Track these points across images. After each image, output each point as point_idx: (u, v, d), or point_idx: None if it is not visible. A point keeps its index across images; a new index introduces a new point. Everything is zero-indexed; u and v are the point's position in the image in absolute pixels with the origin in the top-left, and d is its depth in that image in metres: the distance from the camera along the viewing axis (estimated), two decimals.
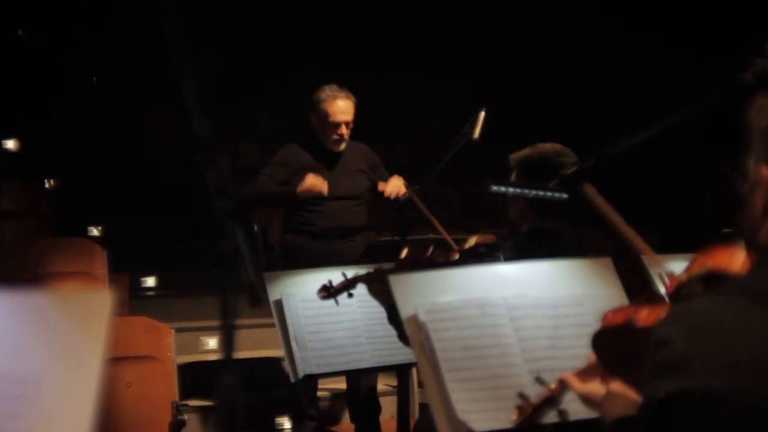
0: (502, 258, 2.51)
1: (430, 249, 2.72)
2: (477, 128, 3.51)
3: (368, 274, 2.62)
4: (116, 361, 2.97)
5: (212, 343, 4.82)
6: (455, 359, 1.94)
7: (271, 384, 4.73)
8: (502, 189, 2.39)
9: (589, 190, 2.08)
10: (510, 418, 1.79)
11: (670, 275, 1.70)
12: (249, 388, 4.64)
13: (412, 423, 3.14)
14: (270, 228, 5.68)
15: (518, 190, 2.49)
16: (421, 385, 3.97)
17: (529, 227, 2.57)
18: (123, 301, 4.57)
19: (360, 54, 6.80)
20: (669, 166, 6.63)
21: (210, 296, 4.72)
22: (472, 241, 2.85)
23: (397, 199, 4.04)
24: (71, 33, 6.60)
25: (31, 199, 5.80)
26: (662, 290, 2.46)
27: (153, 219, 5.78)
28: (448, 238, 3.45)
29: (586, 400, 1.57)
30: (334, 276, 2.83)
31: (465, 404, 1.90)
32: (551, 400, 1.72)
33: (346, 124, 4.15)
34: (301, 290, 2.88)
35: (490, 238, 2.88)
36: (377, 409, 4.24)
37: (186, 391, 4.35)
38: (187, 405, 4.23)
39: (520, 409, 1.76)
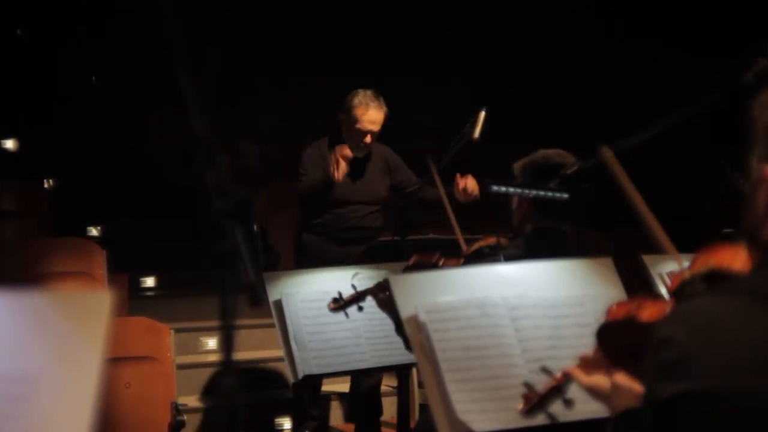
0: (503, 258, 2.51)
1: (437, 256, 2.73)
2: (477, 128, 3.51)
3: (377, 286, 2.65)
4: (115, 361, 2.96)
5: (212, 343, 4.82)
6: (455, 359, 1.94)
7: (271, 384, 4.73)
8: (503, 189, 2.39)
9: (607, 154, 2.05)
10: (517, 407, 1.80)
11: (672, 274, 1.70)
12: (249, 388, 4.64)
13: (412, 424, 3.14)
14: (270, 228, 5.68)
15: (519, 190, 2.50)
16: (421, 385, 3.97)
17: (532, 228, 2.58)
18: (122, 302, 4.56)
19: (360, 54, 6.80)
20: (669, 166, 6.63)
21: (210, 296, 4.72)
22: (477, 246, 2.87)
23: (467, 198, 3.95)
24: (71, 33, 6.59)
25: (31, 199, 5.79)
26: (663, 290, 2.47)
27: (152, 219, 5.78)
28: (461, 239, 3.46)
29: (591, 391, 1.58)
30: (335, 276, 2.83)
31: (465, 404, 1.89)
32: (556, 389, 1.74)
33: (372, 134, 4.14)
34: (300, 290, 2.88)
35: (493, 241, 2.89)
36: (378, 409, 4.24)
37: (185, 392, 4.35)
38: (186, 405, 4.23)
39: (527, 398, 1.78)
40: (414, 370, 3.45)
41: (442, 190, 3.60)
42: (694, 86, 2.65)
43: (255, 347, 4.83)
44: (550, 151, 2.63)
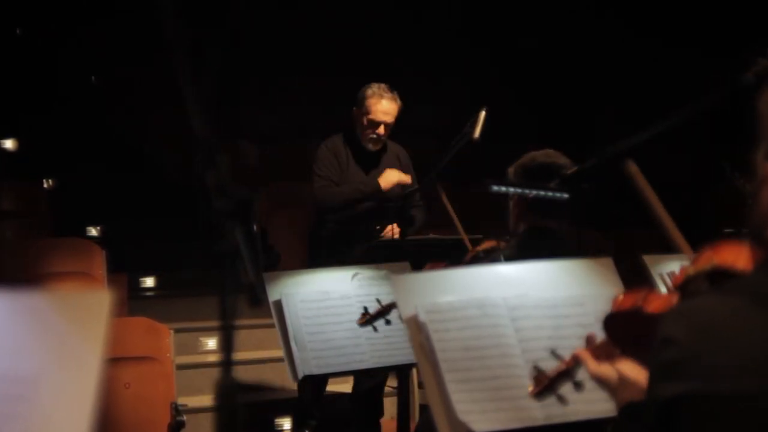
0: (502, 258, 2.51)
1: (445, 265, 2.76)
2: (477, 128, 3.50)
3: None
4: (115, 361, 2.96)
5: (211, 343, 4.82)
6: (455, 360, 1.93)
7: (271, 384, 4.72)
8: (503, 189, 2.39)
9: (632, 168, 2.05)
10: (528, 389, 1.81)
11: (672, 275, 1.71)
12: (249, 388, 4.63)
13: (412, 424, 3.14)
14: (270, 228, 5.67)
15: (519, 190, 2.50)
16: (421, 385, 3.96)
17: (526, 227, 2.60)
18: (122, 302, 4.56)
19: (360, 54, 6.80)
20: (670, 166, 6.63)
21: (209, 297, 4.71)
22: (481, 247, 2.89)
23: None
24: (70, 32, 6.59)
25: (30, 199, 5.79)
26: (663, 290, 2.47)
27: (152, 219, 5.77)
28: (466, 239, 3.46)
29: (598, 380, 1.58)
30: (335, 276, 2.84)
31: (465, 405, 1.89)
32: (566, 373, 1.74)
33: (386, 125, 4.13)
34: (300, 291, 2.88)
35: (491, 245, 2.91)
36: (380, 410, 4.23)
37: (185, 392, 4.34)
38: (186, 406, 4.22)
39: (537, 380, 1.78)
40: (414, 371, 3.44)
41: (450, 209, 3.59)
42: (695, 86, 2.65)
43: (255, 347, 4.82)
44: (538, 153, 2.66)
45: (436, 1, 7.48)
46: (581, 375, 1.71)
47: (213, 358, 4.74)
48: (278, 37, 7.05)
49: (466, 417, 1.88)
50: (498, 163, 2.90)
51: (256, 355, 4.76)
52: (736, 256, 1.49)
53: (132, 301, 4.86)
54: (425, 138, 5.74)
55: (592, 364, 1.59)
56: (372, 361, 2.89)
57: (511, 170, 2.68)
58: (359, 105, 4.14)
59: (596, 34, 7.12)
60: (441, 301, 1.99)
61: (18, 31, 6.66)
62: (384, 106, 4.11)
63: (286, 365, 2.82)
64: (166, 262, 5.62)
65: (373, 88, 4.13)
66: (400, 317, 2.53)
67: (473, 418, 1.88)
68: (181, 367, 4.18)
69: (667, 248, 2.24)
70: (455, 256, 3.08)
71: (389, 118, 4.12)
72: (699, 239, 1.79)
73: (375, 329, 2.77)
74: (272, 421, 4.51)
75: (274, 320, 2.85)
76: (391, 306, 2.74)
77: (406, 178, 4.10)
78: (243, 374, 4.65)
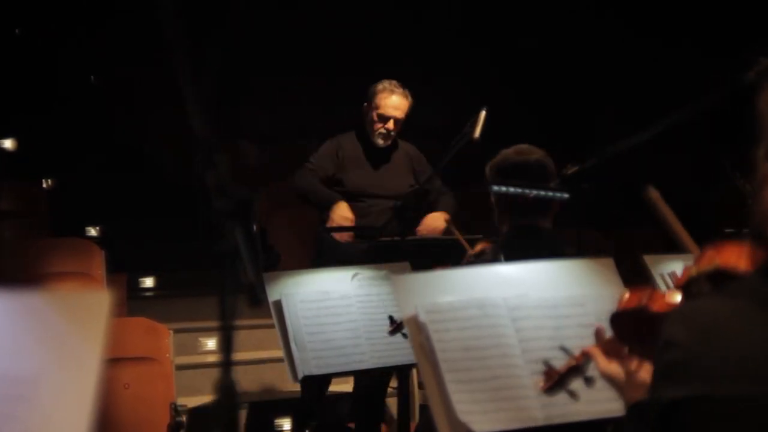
0: (502, 259, 2.51)
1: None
2: (477, 128, 3.50)
3: None
4: (114, 362, 2.96)
5: (211, 344, 4.81)
6: (456, 360, 1.93)
7: (271, 385, 4.72)
8: (503, 189, 2.38)
9: (653, 195, 2.04)
10: (537, 384, 1.80)
11: (673, 275, 1.70)
12: (248, 389, 4.63)
13: (412, 425, 3.14)
14: (270, 228, 5.67)
15: (519, 190, 2.49)
16: (421, 386, 3.96)
17: (508, 227, 2.59)
18: (121, 302, 4.56)
19: (360, 54, 6.80)
20: (670, 165, 6.63)
21: (209, 297, 4.69)
22: (477, 248, 2.89)
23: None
24: (69, 32, 6.59)
25: (29, 199, 5.78)
26: (664, 290, 2.46)
27: (151, 219, 5.77)
28: (466, 245, 3.45)
29: (607, 378, 1.58)
30: (334, 277, 2.83)
31: (465, 405, 1.89)
32: (576, 368, 1.73)
33: (395, 120, 4.11)
34: (300, 291, 2.87)
35: (481, 247, 2.91)
36: (381, 411, 4.21)
37: (185, 393, 4.34)
38: (185, 406, 4.21)
39: (547, 375, 1.77)
40: (414, 371, 3.44)
41: (464, 243, 3.58)
42: (695, 86, 2.65)
43: (254, 348, 4.82)
44: (509, 150, 2.64)
45: (436, 1, 7.48)
46: (591, 371, 1.71)
47: (212, 359, 4.73)
48: (278, 37, 7.05)
49: (467, 417, 1.87)
50: None
51: (256, 355, 4.75)
52: (739, 257, 1.49)
53: (131, 302, 4.86)
54: (425, 138, 5.73)
55: (602, 361, 1.59)
56: (372, 361, 2.89)
57: (487, 170, 2.67)
58: (369, 100, 4.14)
59: (596, 34, 7.11)
60: (441, 301, 1.99)
61: (17, 31, 6.65)
62: (394, 101, 4.10)
63: (285, 365, 2.82)
64: (165, 262, 5.62)
65: (384, 84, 4.13)
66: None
67: (473, 418, 1.88)
68: (181, 367, 4.18)
69: (668, 248, 2.24)
70: (454, 257, 3.07)
71: (399, 113, 4.10)
72: (700, 239, 1.79)
73: (405, 336, 2.74)
74: (272, 422, 4.50)
75: (274, 320, 2.85)
76: None
77: (349, 219, 4.04)
78: (243, 375, 4.65)
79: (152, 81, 5.88)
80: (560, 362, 1.77)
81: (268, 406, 4.54)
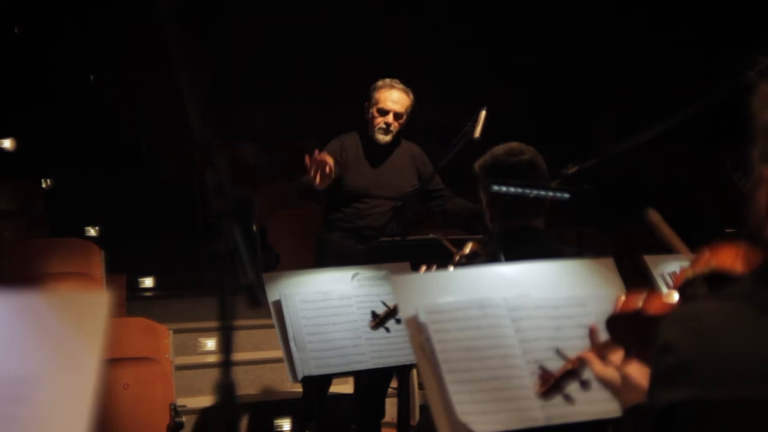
0: (502, 258, 2.49)
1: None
2: (478, 127, 3.50)
3: None
4: (114, 362, 2.96)
5: (210, 344, 4.81)
6: (456, 360, 1.92)
7: (270, 385, 4.72)
8: (503, 189, 2.37)
9: (654, 216, 2.04)
10: (535, 388, 1.80)
11: (674, 275, 1.70)
12: (248, 389, 4.62)
13: (412, 425, 3.13)
14: (269, 228, 5.67)
15: (519, 190, 2.48)
16: (421, 386, 3.96)
17: (498, 228, 2.56)
18: (120, 302, 4.55)
19: (359, 53, 6.80)
20: (671, 165, 6.63)
21: (208, 297, 4.70)
22: (467, 249, 2.84)
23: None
24: (68, 32, 6.59)
25: (28, 199, 5.78)
26: (665, 290, 2.46)
27: (151, 219, 5.76)
28: (449, 245, 3.44)
29: (603, 382, 1.57)
30: (334, 277, 2.82)
31: (466, 406, 1.88)
32: (572, 372, 1.73)
33: (396, 115, 4.09)
34: (300, 291, 2.87)
35: (471, 248, 2.87)
36: (380, 411, 4.21)
37: (184, 393, 4.33)
38: (185, 407, 4.21)
39: (543, 379, 1.77)
40: (414, 371, 3.43)
41: (447, 244, 3.57)
42: (696, 85, 2.64)
43: (254, 348, 4.81)
44: (498, 148, 2.59)
45: (436, 1, 7.48)
46: (587, 374, 1.70)
47: (212, 359, 4.73)
48: (278, 36, 7.05)
49: (467, 418, 1.87)
50: None
51: (256, 355, 4.75)
52: (734, 259, 1.49)
53: (131, 302, 4.85)
54: (425, 138, 5.73)
55: (598, 366, 1.58)
56: (372, 361, 2.88)
57: (476, 169, 2.62)
58: (370, 96, 4.12)
59: (596, 34, 7.12)
60: (441, 301, 1.98)
61: (16, 31, 6.65)
62: (393, 95, 4.07)
63: (285, 366, 2.82)
64: (165, 262, 5.61)
65: (385, 80, 4.10)
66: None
67: (474, 419, 1.87)
68: (180, 367, 4.17)
69: (669, 249, 2.23)
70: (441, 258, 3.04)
71: (398, 107, 4.08)
72: (700, 239, 1.78)
73: (387, 330, 2.75)
74: (272, 422, 4.50)
75: (274, 321, 2.85)
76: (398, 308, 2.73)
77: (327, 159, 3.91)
78: (243, 375, 4.64)
79: (152, 81, 5.88)
80: (557, 365, 1.76)
81: (268, 407, 4.54)
